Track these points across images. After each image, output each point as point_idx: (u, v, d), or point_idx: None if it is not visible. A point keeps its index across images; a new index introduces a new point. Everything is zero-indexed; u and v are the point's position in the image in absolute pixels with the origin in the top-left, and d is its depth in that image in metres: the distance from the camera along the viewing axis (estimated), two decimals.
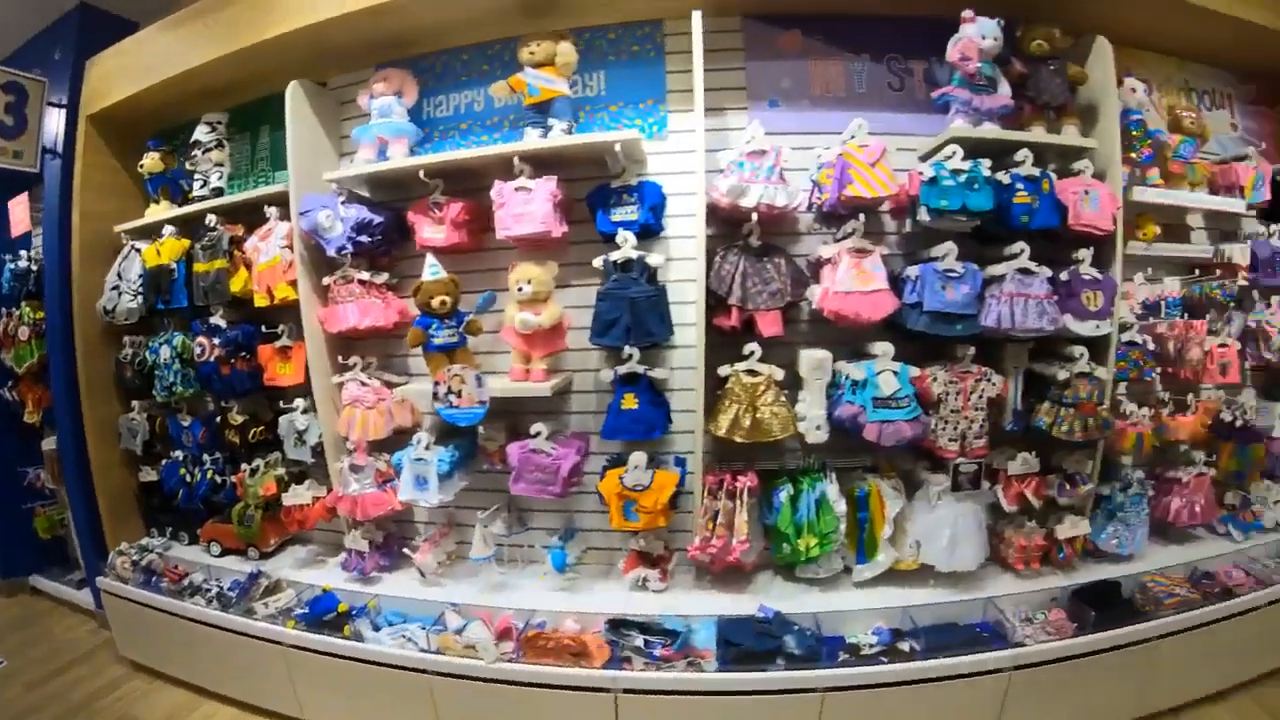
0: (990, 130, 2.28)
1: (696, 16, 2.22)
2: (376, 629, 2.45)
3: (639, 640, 2.20)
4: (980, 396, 2.28)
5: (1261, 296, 2.92)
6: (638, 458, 2.26)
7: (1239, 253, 2.79)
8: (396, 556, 2.72)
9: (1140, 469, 2.68)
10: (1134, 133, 2.57)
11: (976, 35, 2.25)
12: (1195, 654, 2.51)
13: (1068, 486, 2.45)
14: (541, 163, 2.33)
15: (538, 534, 2.62)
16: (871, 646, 2.20)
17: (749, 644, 2.12)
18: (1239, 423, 2.81)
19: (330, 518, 2.79)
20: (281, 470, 2.93)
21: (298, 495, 2.84)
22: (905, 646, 2.20)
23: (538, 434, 2.31)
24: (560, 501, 2.44)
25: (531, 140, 2.32)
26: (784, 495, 2.26)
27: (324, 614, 2.50)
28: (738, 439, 2.19)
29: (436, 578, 2.59)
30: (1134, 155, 2.57)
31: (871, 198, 2.16)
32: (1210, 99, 3.13)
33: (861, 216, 2.23)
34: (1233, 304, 2.80)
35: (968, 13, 2.26)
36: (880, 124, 2.40)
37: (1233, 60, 3.09)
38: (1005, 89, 2.33)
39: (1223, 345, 2.70)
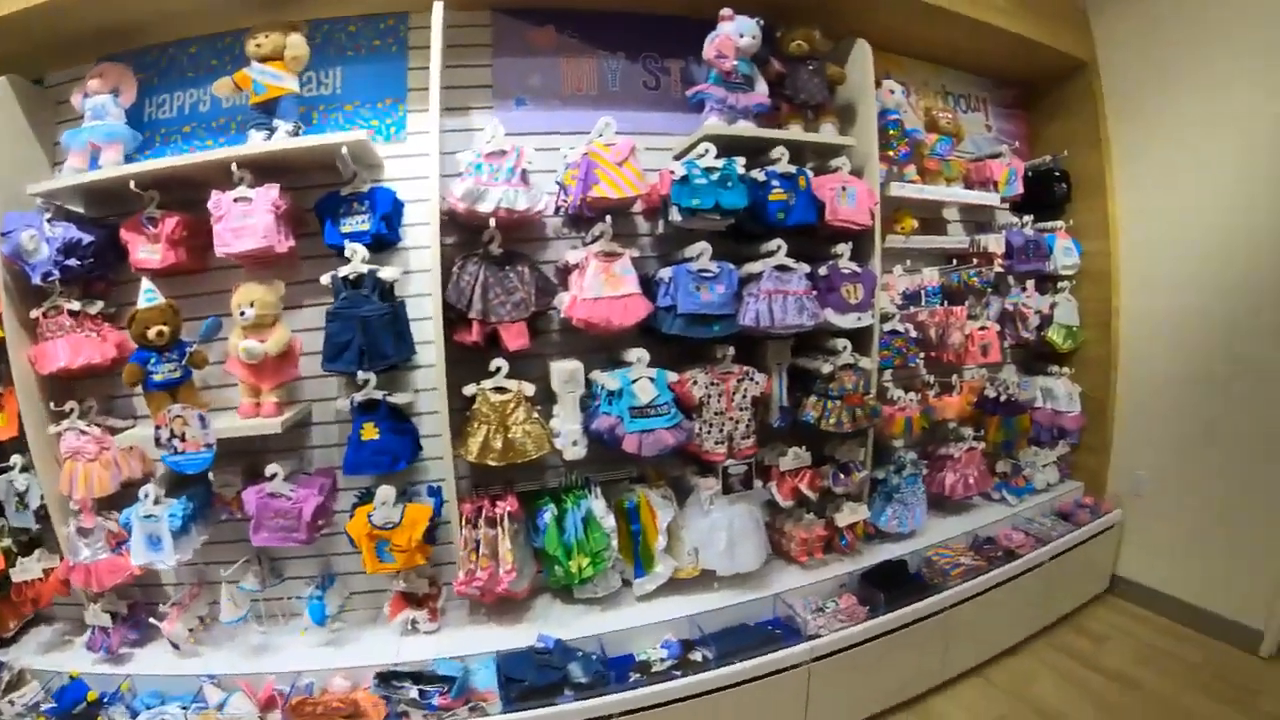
0: (745, 128, 2.22)
1: (438, 8, 1.99)
2: (134, 715, 2.05)
3: (413, 692, 1.94)
4: (744, 396, 2.21)
5: (1017, 281, 3.10)
6: (385, 492, 2.00)
7: (994, 242, 2.94)
8: (146, 628, 2.29)
9: (912, 450, 2.75)
10: (891, 132, 2.60)
11: (734, 33, 2.17)
12: (989, 614, 2.61)
13: (842, 476, 2.45)
14: (266, 169, 2.02)
15: (297, 584, 2.29)
16: (663, 661, 2.06)
17: (532, 679, 1.92)
18: (1003, 398, 2.96)
19: (66, 591, 2.32)
20: (8, 541, 2.41)
21: (26, 569, 2.33)
22: (697, 656, 2.08)
23: (274, 475, 2.01)
24: (315, 546, 2.14)
25: (251, 144, 2.01)
26: (548, 516, 2.08)
27: (74, 705, 2.07)
28: (491, 462, 1.99)
29: (191, 647, 2.21)
30: (891, 153, 2.60)
31: (619, 198, 2.02)
32: (966, 102, 3.29)
33: (609, 218, 2.08)
34: (990, 290, 2.95)
35: (726, 11, 2.18)
36: (635, 123, 2.30)
37: (988, 67, 3.26)
38: (762, 87, 2.27)
39: (983, 328, 2.84)
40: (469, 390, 2.03)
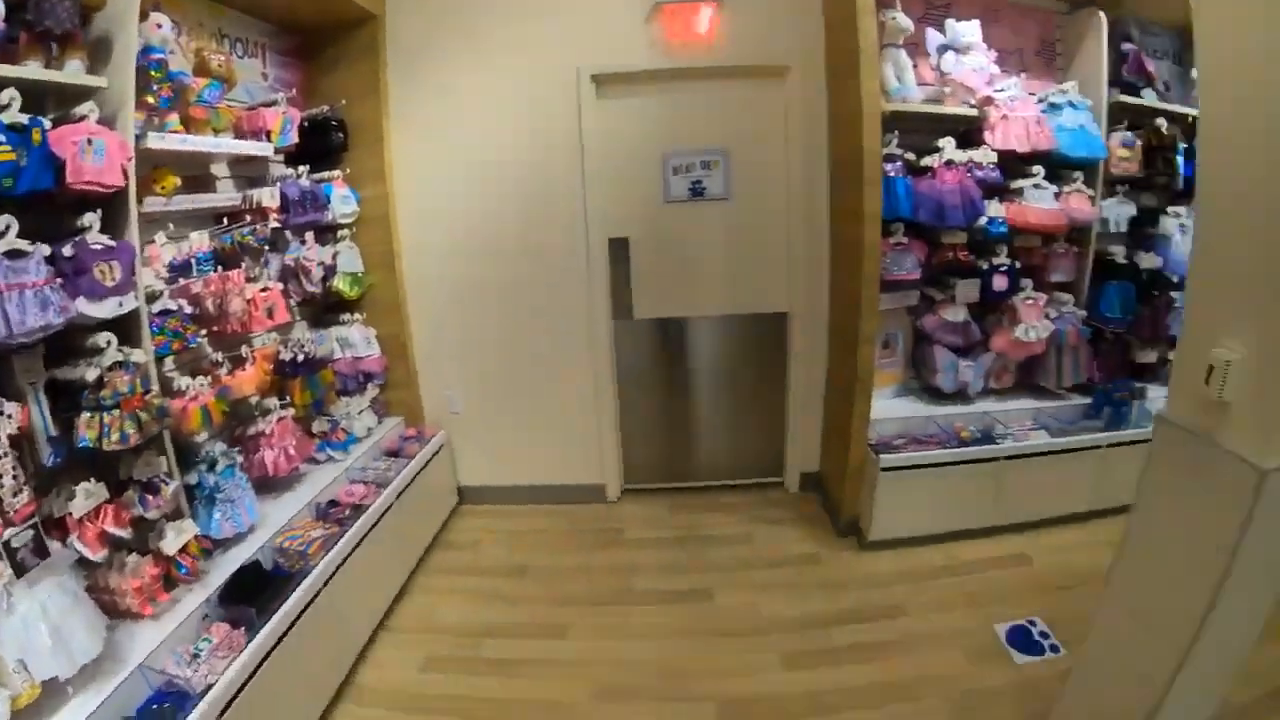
0: None
1: None
2: None
3: None
4: None
5: (295, 235, 3.73)
6: None
7: (269, 196, 3.39)
8: None
9: (219, 439, 3.04)
10: (154, 73, 2.61)
11: None
12: (362, 574, 3.18)
13: (150, 497, 2.47)
14: None
15: None
16: None
17: None
18: (300, 358, 3.55)
19: None
20: None
21: None
22: None
23: None
24: None
25: None
26: None
27: None
28: None
29: None
30: (151, 98, 2.62)
31: None
32: (244, 47, 3.67)
33: None
34: (268, 247, 3.42)
35: None
36: None
37: (273, 11, 3.72)
38: None
39: (265, 290, 3.25)
40: None
